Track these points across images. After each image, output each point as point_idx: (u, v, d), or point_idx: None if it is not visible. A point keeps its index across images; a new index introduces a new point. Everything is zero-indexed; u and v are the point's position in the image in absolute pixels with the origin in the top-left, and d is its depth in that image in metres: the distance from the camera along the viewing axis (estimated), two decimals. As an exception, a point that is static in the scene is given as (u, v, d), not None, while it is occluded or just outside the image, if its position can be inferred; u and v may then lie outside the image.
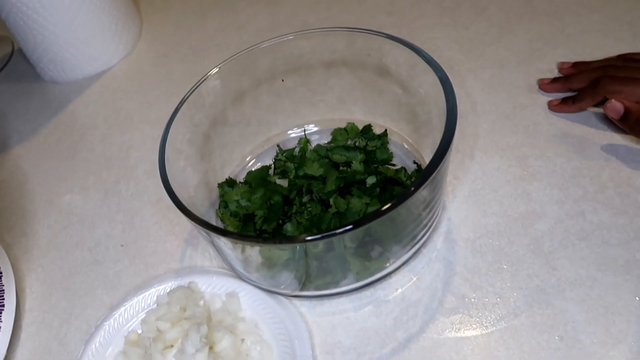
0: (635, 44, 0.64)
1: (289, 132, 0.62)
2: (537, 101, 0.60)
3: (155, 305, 0.49)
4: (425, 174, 0.39)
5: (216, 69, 0.54)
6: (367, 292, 0.48)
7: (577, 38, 0.67)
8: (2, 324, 0.51)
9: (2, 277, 0.54)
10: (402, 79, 0.53)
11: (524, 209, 0.51)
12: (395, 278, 0.48)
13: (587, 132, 0.56)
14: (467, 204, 0.52)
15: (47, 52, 0.79)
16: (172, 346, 0.45)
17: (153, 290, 0.50)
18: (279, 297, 0.48)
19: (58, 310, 0.54)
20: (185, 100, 0.51)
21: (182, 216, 0.57)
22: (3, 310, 0.51)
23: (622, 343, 0.41)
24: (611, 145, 0.54)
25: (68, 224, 0.62)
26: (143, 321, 0.47)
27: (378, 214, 0.38)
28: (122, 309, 0.49)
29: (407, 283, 0.48)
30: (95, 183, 0.66)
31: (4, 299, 0.52)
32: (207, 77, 0.53)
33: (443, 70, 0.46)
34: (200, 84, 0.53)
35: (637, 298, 0.43)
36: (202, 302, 0.48)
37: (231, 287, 0.49)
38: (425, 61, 0.47)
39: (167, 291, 0.49)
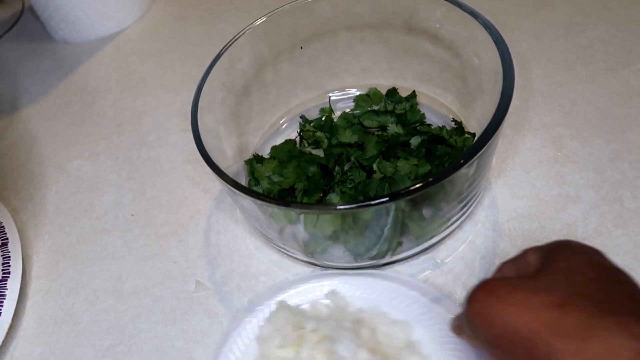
0: (682, 21, 0.60)
1: (307, 102, 0.60)
2: (574, 78, 0.57)
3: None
4: (494, 123, 0.38)
5: (265, 17, 0.52)
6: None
7: (620, 13, 0.63)
8: (7, 292, 0.49)
9: (9, 244, 0.52)
10: (436, 36, 0.52)
11: (556, 193, 0.48)
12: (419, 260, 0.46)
13: (628, 113, 0.53)
14: (497, 185, 0.50)
15: (58, 10, 0.76)
16: None
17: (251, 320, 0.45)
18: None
19: (65, 279, 0.52)
20: (213, 65, 0.49)
21: (194, 187, 0.55)
22: (9, 277, 0.50)
23: (661, 339, 0.38)
24: (653, 128, 0.51)
25: (77, 190, 0.60)
26: (262, 356, 0.42)
27: (456, 166, 0.36)
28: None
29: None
30: (106, 148, 0.63)
31: (10, 266, 0.50)
32: (241, 35, 0.52)
33: (493, 27, 0.44)
34: (231, 45, 0.51)
35: (678, 292, 0.41)
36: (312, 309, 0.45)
37: (323, 286, 0.45)
38: (466, 13, 0.46)
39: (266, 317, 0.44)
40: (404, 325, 0.42)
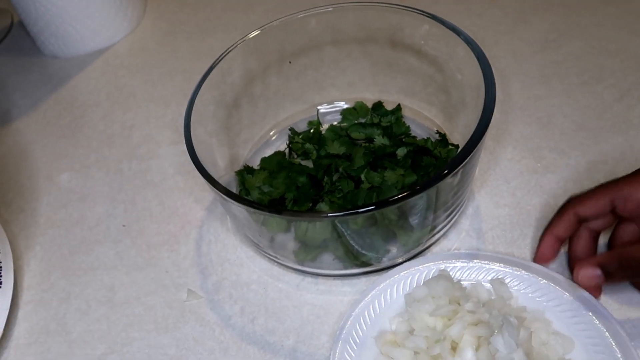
0: (651, 39, 0.63)
1: (295, 115, 0.61)
2: (551, 93, 0.59)
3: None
4: (477, 135, 0.40)
5: (256, 31, 0.54)
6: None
7: (592, 31, 0.66)
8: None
9: (0, 255, 0.53)
10: (420, 52, 0.55)
11: (537, 202, 0.50)
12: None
13: (601, 126, 0.55)
14: (480, 195, 0.52)
15: (48, 25, 0.77)
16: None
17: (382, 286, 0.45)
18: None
19: (56, 290, 0.52)
20: (205, 79, 0.51)
21: (185, 198, 0.56)
22: (0, 288, 0.50)
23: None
24: (626, 140, 0.53)
25: (68, 202, 0.60)
26: (411, 317, 0.42)
27: (441, 175, 0.38)
28: (356, 311, 0.44)
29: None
30: (97, 161, 0.64)
31: (1, 277, 0.51)
32: (232, 49, 0.53)
33: (475, 43, 0.46)
34: (222, 59, 0.52)
35: (651, 296, 0.43)
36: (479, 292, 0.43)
37: (490, 270, 0.44)
38: (449, 29, 0.49)
39: (423, 281, 0.44)
40: (565, 340, 0.40)
